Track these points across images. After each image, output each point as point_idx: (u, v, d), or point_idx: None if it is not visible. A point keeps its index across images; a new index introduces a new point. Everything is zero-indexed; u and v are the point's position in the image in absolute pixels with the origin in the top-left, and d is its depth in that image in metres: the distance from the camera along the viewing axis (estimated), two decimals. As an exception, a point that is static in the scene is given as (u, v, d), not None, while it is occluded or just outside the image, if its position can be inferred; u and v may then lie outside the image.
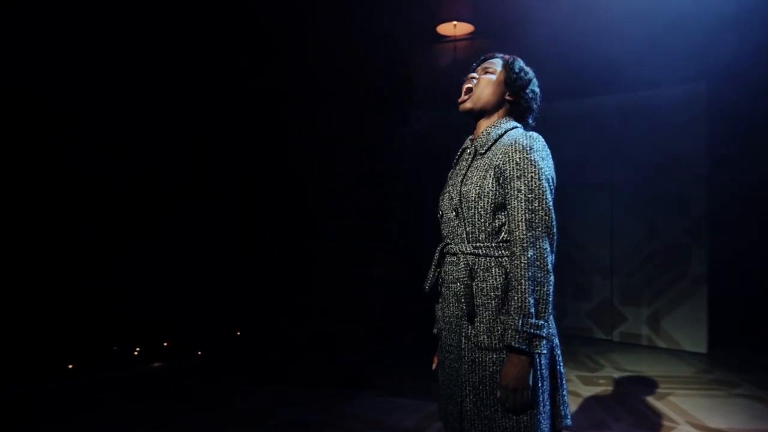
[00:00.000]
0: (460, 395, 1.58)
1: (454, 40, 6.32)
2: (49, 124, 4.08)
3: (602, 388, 3.88)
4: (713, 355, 4.71)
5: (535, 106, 1.71)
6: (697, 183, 4.81)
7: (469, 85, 1.68)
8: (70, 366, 4.12)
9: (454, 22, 5.95)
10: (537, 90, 1.71)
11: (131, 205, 4.53)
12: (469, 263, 1.58)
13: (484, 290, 1.54)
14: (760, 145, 4.56)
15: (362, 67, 6.35)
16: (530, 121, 1.73)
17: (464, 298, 1.55)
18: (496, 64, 1.71)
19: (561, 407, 1.57)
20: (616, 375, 4.21)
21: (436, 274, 1.71)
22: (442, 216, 1.71)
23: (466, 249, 1.59)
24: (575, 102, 5.58)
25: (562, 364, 1.60)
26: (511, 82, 1.66)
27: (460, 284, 1.58)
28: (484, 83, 1.66)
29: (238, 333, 5.00)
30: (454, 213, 1.64)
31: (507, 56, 1.73)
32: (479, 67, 1.73)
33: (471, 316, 1.55)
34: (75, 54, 4.08)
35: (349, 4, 5.36)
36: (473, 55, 6.49)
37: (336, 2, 5.24)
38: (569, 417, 1.60)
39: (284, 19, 5.32)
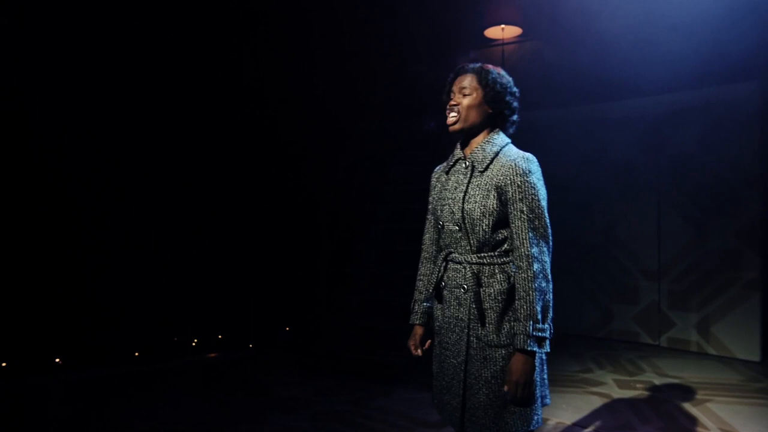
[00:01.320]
0: (461, 388, 1.79)
1: (503, 43, 6.38)
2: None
3: (637, 392, 3.86)
4: (766, 364, 4.53)
5: (515, 106, 1.83)
6: (749, 184, 4.64)
7: (454, 113, 1.79)
8: (136, 354, 4.56)
9: (502, 26, 6.03)
10: (514, 90, 1.82)
11: (187, 201, 4.85)
12: (475, 272, 1.77)
13: (492, 295, 1.75)
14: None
15: (410, 72, 6.52)
16: (514, 119, 1.84)
17: (474, 303, 1.75)
18: (470, 81, 1.79)
19: (544, 388, 1.80)
20: (656, 380, 4.15)
21: (438, 277, 1.89)
22: (442, 226, 1.86)
23: (471, 259, 1.78)
24: (621, 103, 5.52)
25: (539, 365, 1.78)
26: (490, 99, 1.78)
27: (466, 290, 1.78)
28: (467, 106, 1.78)
29: (288, 328, 5.31)
30: (456, 227, 1.80)
31: (477, 68, 1.81)
32: (456, 86, 1.82)
33: (481, 319, 1.75)
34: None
35: (396, 8, 5.55)
36: (521, 57, 6.54)
37: (383, 7, 5.44)
38: (548, 396, 1.84)
39: (331, 22, 5.57)
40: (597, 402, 3.65)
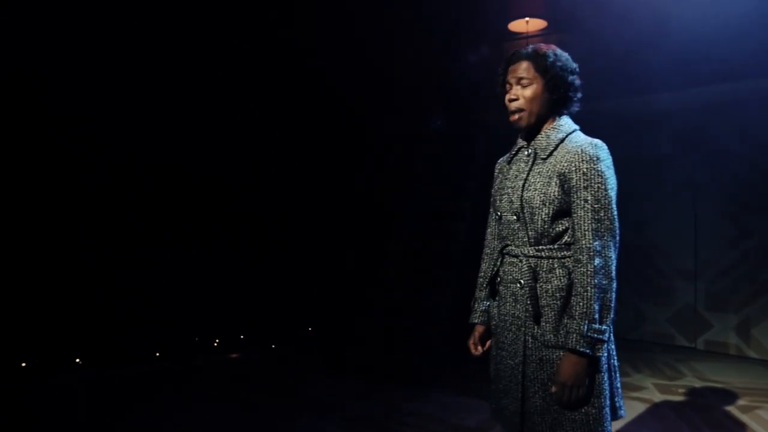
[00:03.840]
0: (520, 391, 1.63)
1: (527, 36, 6.21)
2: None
3: (680, 398, 3.69)
4: (812, 368, 4.34)
5: (577, 84, 1.66)
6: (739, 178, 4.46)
7: (516, 108, 1.64)
8: (157, 354, 4.46)
9: (527, 19, 5.85)
10: (573, 67, 1.65)
11: (203, 202, 4.76)
12: (532, 266, 1.62)
13: (549, 291, 1.59)
14: None
15: (433, 65, 6.38)
16: (578, 96, 1.67)
17: (530, 300, 1.60)
18: (527, 69, 1.63)
19: (616, 398, 1.62)
20: (698, 384, 3.98)
21: (494, 272, 1.75)
22: (500, 217, 1.73)
23: (528, 252, 1.63)
24: (653, 98, 5.32)
25: (615, 357, 1.63)
26: (552, 86, 1.62)
27: (522, 285, 1.63)
28: (530, 97, 1.62)
29: (310, 329, 5.18)
30: (514, 216, 1.66)
31: (532, 53, 1.64)
32: (511, 76, 1.66)
33: (537, 317, 1.60)
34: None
35: (420, 2, 5.41)
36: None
37: (406, 1, 5.31)
38: (623, 408, 1.66)
39: (353, 17, 5.44)
40: (640, 407, 3.48)
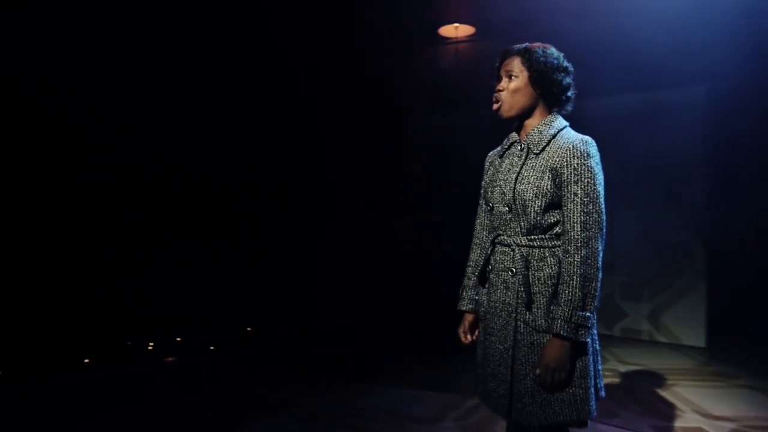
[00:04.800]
0: (509, 374, 1.73)
1: (456, 42, 6.43)
2: (63, 122, 4.09)
3: (607, 380, 4.00)
4: (712, 349, 4.86)
5: (565, 83, 1.76)
6: (696, 181, 4.96)
7: (498, 96, 1.76)
8: (86, 361, 4.18)
9: (456, 24, 6.06)
10: (564, 66, 1.76)
11: (142, 205, 4.57)
12: (524, 255, 1.71)
13: (541, 279, 1.69)
14: (760, 144, 4.71)
15: (364, 68, 6.44)
16: (568, 95, 1.78)
17: (522, 287, 1.69)
18: (516, 64, 1.75)
19: (598, 380, 1.75)
20: (621, 368, 4.34)
21: (484, 261, 1.84)
22: (492, 208, 1.81)
23: (520, 242, 1.72)
24: (577, 104, 5.69)
25: (598, 341, 1.75)
26: (536, 80, 1.73)
27: (514, 273, 1.72)
28: (512, 90, 1.74)
29: (249, 329, 5.07)
30: (507, 208, 1.75)
31: (522, 49, 1.76)
32: (503, 70, 1.78)
33: (529, 303, 1.69)
34: (82, 49, 4.03)
35: (351, 5, 5.44)
36: (475, 57, 6.64)
37: (338, 3, 5.32)
38: (603, 389, 1.79)
39: (284, 18, 5.38)
40: (575, 391, 3.75)
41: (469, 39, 6.49)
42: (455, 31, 6.22)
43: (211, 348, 4.71)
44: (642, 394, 3.70)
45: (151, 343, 4.55)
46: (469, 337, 1.95)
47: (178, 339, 4.68)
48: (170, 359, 4.49)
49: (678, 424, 3.18)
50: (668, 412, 3.36)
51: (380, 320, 4.66)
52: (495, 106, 1.79)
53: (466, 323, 1.95)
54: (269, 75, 5.19)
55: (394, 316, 5.29)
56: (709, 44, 4.57)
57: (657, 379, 4.03)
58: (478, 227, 1.97)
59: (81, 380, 3.90)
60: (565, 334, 1.59)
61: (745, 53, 4.44)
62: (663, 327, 5.17)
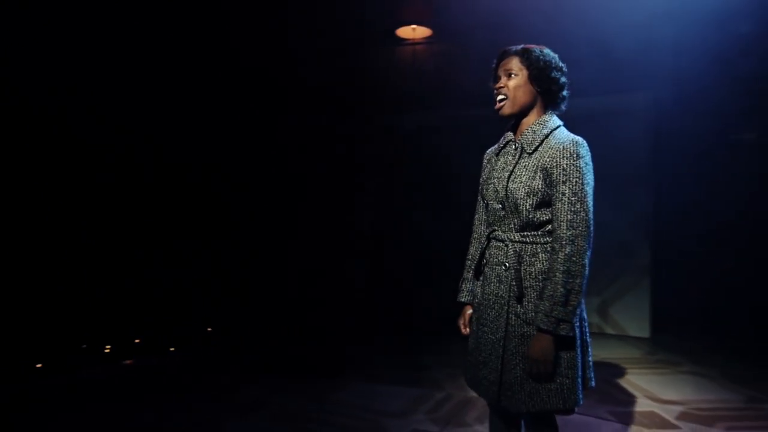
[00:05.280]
0: (500, 364, 1.80)
1: (414, 43, 6.54)
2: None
3: (566, 370, 4.20)
4: (655, 339, 5.18)
5: (563, 81, 1.85)
6: (641, 182, 5.27)
7: (501, 96, 1.84)
8: (39, 366, 4.00)
9: (413, 26, 6.17)
10: (560, 65, 1.85)
11: (95, 205, 4.42)
12: (517, 250, 1.79)
13: (533, 274, 1.77)
14: (700, 147, 5.06)
15: (324, 68, 6.45)
16: (564, 94, 1.87)
17: (514, 281, 1.77)
18: (515, 63, 1.83)
19: (587, 371, 1.84)
20: (575, 359, 4.55)
21: (480, 255, 1.92)
22: (487, 205, 1.90)
23: (514, 237, 1.81)
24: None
25: (588, 333, 1.85)
26: (536, 77, 1.81)
27: (507, 268, 1.80)
28: (514, 86, 1.82)
29: (209, 329, 4.99)
30: (500, 205, 1.83)
31: (520, 49, 1.85)
32: (501, 70, 1.86)
33: (520, 297, 1.77)
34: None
35: (310, 5, 5.44)
36: (431, 58, 6.76)
37: (297, 3, 5.32)
38: (593, 379, 1.87)
39: (243, 18, 5.32)
40: (536, 381, 3.93)
41: (426, 41, 6.61)
42: (413, 32, 6.33)
43: (171, 349, 4.61)
44: (597, 383, 3.90)
45: (108, 346, 4.40)
46: (468, 329, 2.02)
47: (137, 341, 4.55)
48: (129, 362, 4.37)
49: (632, 409, 3.40)
50: (622, 398, 3.58)
51: (349, 318, 4.70)
52: (499, 104, 1.85)
53: (466, 316, 2.02)
54: (230, 74, 5.13)
55: (363, 315, 5.34)
56: (654, 52, 4.88)
57: (609, 368, 4.27)
58: (476, 222, 2.06)
59: (36, 386, 3.74)
60: (545, 328, 1.67)
61: (687, 61, 4.77)
62: (611, 319, 5.46)
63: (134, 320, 4.59)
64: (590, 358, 1.85)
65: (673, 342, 5.03)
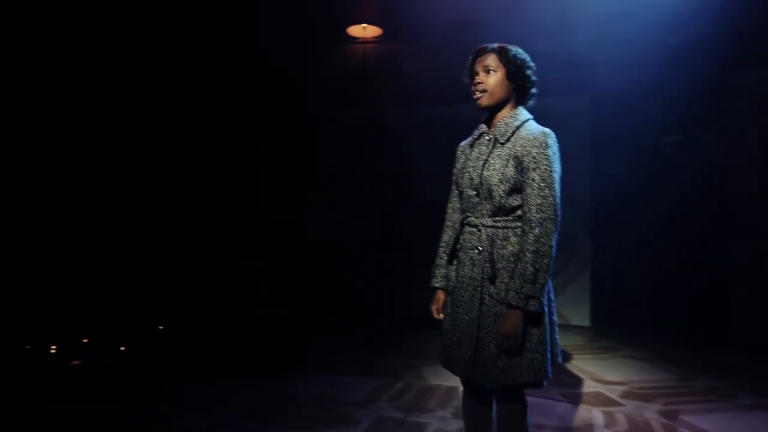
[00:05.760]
0: (474, 342, 1.90)
1: (364, 42, 6.62)
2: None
3: (517, 358, 4.41)
4: (596, 328, 5.50)
5: (534, 79, 1.98)
6: (581, 179, 5.58)
7: (481, 87, 1.95)
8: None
9: (364, 25, 6.25)
10: (532, 65, 1.98)
11: (46, 203, 4.23)
12: (489, 234, 1.91)
13: (505, 256, 1.88)
14: (634, 146, 5.42)
15: (275, 64, 6.41)
16: (534, 91, 2.00)
17: (487, 263, 1.88)
18: (493, 60, 1.94)
19: (555, 347, 1.98)
20: (524, 347, 4.78)
21: (454, 240, 2.02)
22: (462, 193, 2.00)
23: (487, 222, 1.92)
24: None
25: (555, 313, 1.99)
26: (512, 75, 1.94)
27: (480, 251, 1.91)
28: (493, 83, 1.93)
29: (161, 327, 4.87)
30: (474, 192, 1.94)
31: (497, 48, 1.96)
32: (479, 66, 1.96)
33: (493, 278, 1.88)
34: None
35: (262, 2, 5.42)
36: (382, 56, 6.90)
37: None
38: (560, 355, 2.02)
39: (193, 15, 5.24)
40: (490, 368, 4.10)
41: (376, 40, 6.71)
42: (363, 31, 6.41)
43: (122, 348, 4.47)
44: (547, 368, 4.13)
45: (54, 346, 4.21)
46: (442, 315, 2.10)
47: (85, 340, 4.38)
48: (76, 362, 4.20)
49: (581, 390, 3.62)
50: (571, 381, 3.81)
51: (306, 312, 4.71)
52: (477, 96, 1.96)
53: (440, 301, 2.10)
54: (182, 72, 5.03)
55: (320, 309, 5.36)
56: (591, 56, 5.18)
57: (556, 354, 4.51)
58: (450, 210, 2.15)
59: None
60: (515, 304, 1.79)
61: (622, 66, 5.09)
62: (556, 310, 5.74)
63: (81, 319, 4.42)
64: (557, 336, 1.99)
65: (612, 330, 5.36)
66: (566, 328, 5.53)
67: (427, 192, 6.16)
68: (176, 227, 4.95)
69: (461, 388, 3.32)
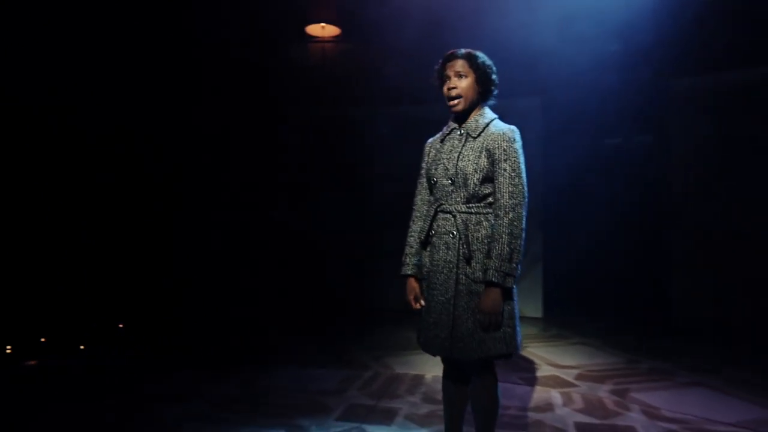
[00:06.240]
0: (451, 320, 2.06)
1: (323, 41, 6.70)
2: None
3: (476, 347, 4.61)
4: (547, 318, 5.79)
5: (497, 82, 2.18)
6: (533, 177, 5.83)
7: (456, 93, 2.12)
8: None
9: (323, 24, 6.33)
10: (495, 69, 2.18)
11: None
12: (463, 219, 2.07)
13: (479, 239, 2.05)
14: (582, 146, 5.74)
15: (231, 61, 6.38)
16: (496, 93, 2.19)
17: (464, 246, 2.03)
18: (463, 65, 2.12)
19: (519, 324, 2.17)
20: (482, 337, 4.99)
21: (428, 228, 2.15)
22: (436, 183, 2.15)
23: (461, 209, 2.08)
24: (435, 107, 6.31)
25: (516, 293, 2.15)
26: (481, 81, 2.14)
27: (454, 236, 2.06)
28: (466, 87, 2.11)
29: (121, 325, 4.78)
30: (449, 181, 2.09)
31: (466, 54, 2.14)
32: (450, 70, 2.14)
33: (468, 259, 2.03)
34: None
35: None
36: (340, 55, 7.00)
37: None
38: (520, 334, 2.19)
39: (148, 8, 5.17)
40: (453, 357, 4.28)
41: (334, 39, 6.79)
42: (322, 30, 6.48)
43: (81, 347, 4.38)
44: (505, 355, 4.35)
45: (9, 346, 4.08)
46: (418, 305, 2.20)
47: (42, 339, 4.26)
48: (32, 362, 4.09)
49: (538, 374, 3.85)
50: (529, 366, 4.03)
51: (274, 308, 4.75)
52: (453, 102, 2.13)
53: (417, 289, 2.21)
54: (135, 67, 4.94)
55: (287, 303, 5.39)
56: (543, 59, 5.46)
57: (513, 343, 4.74)
58: (419, 202, 2.29)
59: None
60: (496, 281, 1.97)
61: (570, 70, 5.40)
62: (509, 303, 6.00)
63: (37, 319, 4.29)
64: (518, 314, 2.17)
65: (562, 320, 5.66)
66: (520, 319, 5.79)
67: (387, 189, 6.32)
68: (138, 224, 4.88)
69: (427, 376, 3.50)
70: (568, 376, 3.81)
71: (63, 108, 4.38)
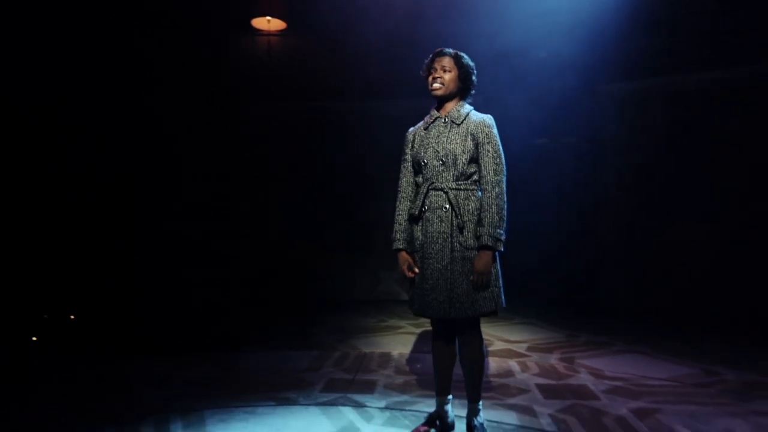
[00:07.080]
0: (448, 284, 2.35)
1: (268, 34, 6.77)
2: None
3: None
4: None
5: (476, 83, 2.53)
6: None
7: (439, 81, 2.45)
8: None
9: (268, 18, 6.42)
10: (475, 72, 2.53)
11: None
12: (455, 195, 2.39)
13: (469, 211, 2.38)
14: (515, 144, 6.22)
15: (178, 55, 6.31)
16: (473, 92, 2.55)
17: (457, 217, 2.35)
18: (449, 61, 2.48)
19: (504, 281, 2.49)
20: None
21: (420, 205, 2.43)
22: (426, 164, 2.45)
23: (451, 186, 2.40)
24: (386, 103, 6.58)
25: (500, 264, 2.47)
26: (463, 77, 2.50)
27: (447, 210, 2.38)
28: (448, 79, 2.46)
29: (72, 317, 4.65)
30: (440, 162, 2.41)
31: (453, 53, 2.51)
32: (437, 64, 2.48)
33: (461, 229, 2.34)
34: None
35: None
36: (286, 49, 7.13)
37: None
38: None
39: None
40: (413, 337, 4.56)
41: (280, 33, 6.88)
42: (267, 24, 6.57)
43: (34, 339, 4.23)
44: (460, 334, 4.69)
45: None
46: (411, 273, 2.46)
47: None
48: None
49: (494, 348, 4.22)
50: (485, 342, 4.38)
51: (242, 295, 4.79)
52: (434, 86, 2.46)
53: (410, 260, 2.48)
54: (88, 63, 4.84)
55: (247, 293, 5.41)
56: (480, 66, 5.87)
57: (464, 324, 5.10)
58: (404, 184, 2.58)
59: None
60: (490, 244, 2.31)
61: (498, 74, 5.84)
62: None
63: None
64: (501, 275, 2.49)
65: (508, 305, 6.09)
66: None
67: (338, 185, 6.51)
68: (96, 219, 4.76)
69: (393, 353, 3.79)
70: (519, 348, 4.20)
71: (8, 104, 4.23)
